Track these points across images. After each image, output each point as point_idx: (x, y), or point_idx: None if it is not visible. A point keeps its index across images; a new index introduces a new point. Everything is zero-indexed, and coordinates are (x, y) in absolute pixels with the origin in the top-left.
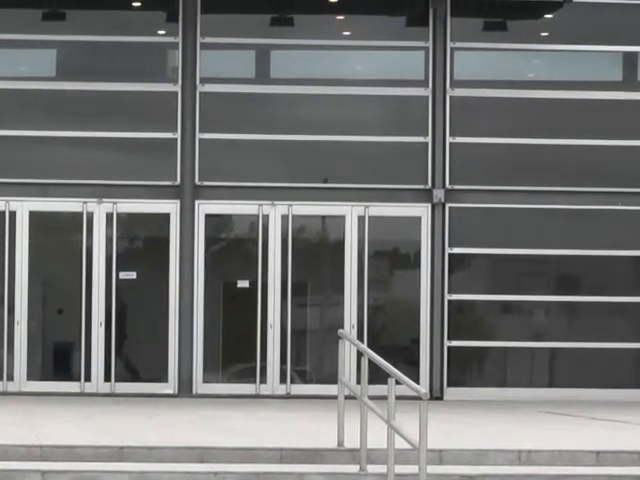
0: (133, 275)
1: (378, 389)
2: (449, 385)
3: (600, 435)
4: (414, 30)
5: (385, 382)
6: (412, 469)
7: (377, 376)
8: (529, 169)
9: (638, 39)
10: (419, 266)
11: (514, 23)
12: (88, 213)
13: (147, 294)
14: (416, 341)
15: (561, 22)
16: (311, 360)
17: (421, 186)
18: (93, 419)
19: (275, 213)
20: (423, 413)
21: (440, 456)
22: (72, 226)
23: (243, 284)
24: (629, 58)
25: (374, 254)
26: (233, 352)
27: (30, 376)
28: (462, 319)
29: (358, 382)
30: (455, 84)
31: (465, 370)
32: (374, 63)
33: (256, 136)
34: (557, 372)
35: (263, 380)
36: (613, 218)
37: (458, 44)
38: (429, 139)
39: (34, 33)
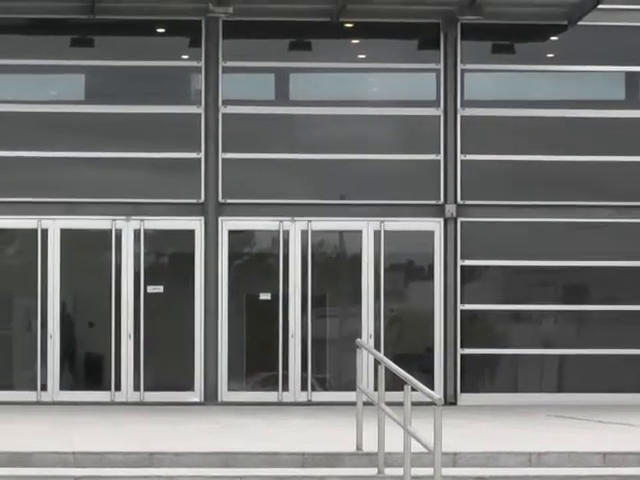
0: (160, 289)
1: (394, 395)
2: (462, 391)
3: (607, 437)
4: (426, 53)
5: (401, 389)
6: (428, 471)
7: (393, 383)
8: (537, 184)
9: (639, 60)
10: (433, 278)
11: (521, 45)
12: (117, 230)
13: (174, 307)
14: (430, 349)
15: (566, 44)
16: (331, 368)
17: (434, 201)
18: (123, 427)
19: (295, 229)
20: (438, 418)
21: (454, 459)
22: (101, 243)
23: (265, 296)
24: (631, 78)
25: (390, 267)
26: (256, 361)
27: (63, 386)
28: (474, 328)
29: (375, 389)
30: (465, 104)
31: (478, 377)
32: (388, 85)
33: (276, 155)
34: (566, 378)
35: (285, 388)
36: (618, 230)
37: (468, 66)
38: (441, 157)
39: (63, 59)
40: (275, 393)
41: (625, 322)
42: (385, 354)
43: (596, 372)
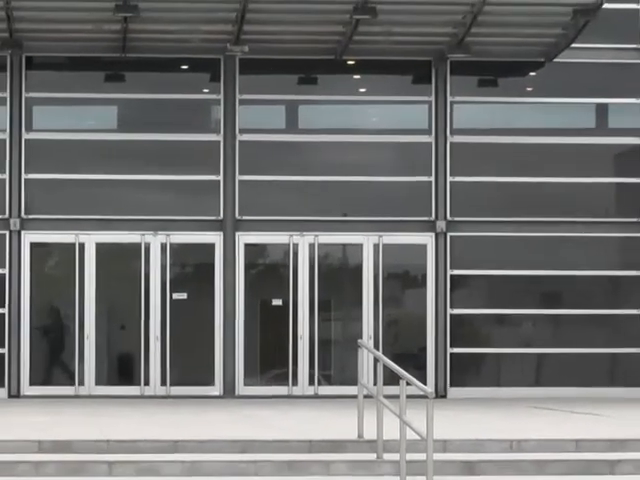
0: (184, 296)
1: (391, 389)
2: (452, 385)
3: (579, 426)
4: (419, 87)
5: (397, 383)
6: (421, 457)
7: (391, 379)
8: (517, 203)
9: (607, 92)
10: (425, 286)
11: (504, 80)
12: (145, 244)
13: (196, 312)
14: (423, 349)
15: (543, 79)
16: (335, 365)
17: (426, 218)
18: (151, 417)
19: (303, 242)
20: (430, 409)
21: (444, 445)
22: (132, 255)
23: (277, 302)
24: (600, 108)
25: (387, 276)
26: (269, 359)
27: (98, 381)
28: (462, 330)
29: (375, 384)
30: (454, 132)
31: (465, 373)
32: (386, 115)
33: (287, 177)
34: (543, 373)
35: (295, 383)
36: (589, 244)
37: (456, 98)
38: (432, 178)
39: (99, 92)
40: (286, 387)
41: (594, 324)
42: (383, 353)
43: (570, 369)
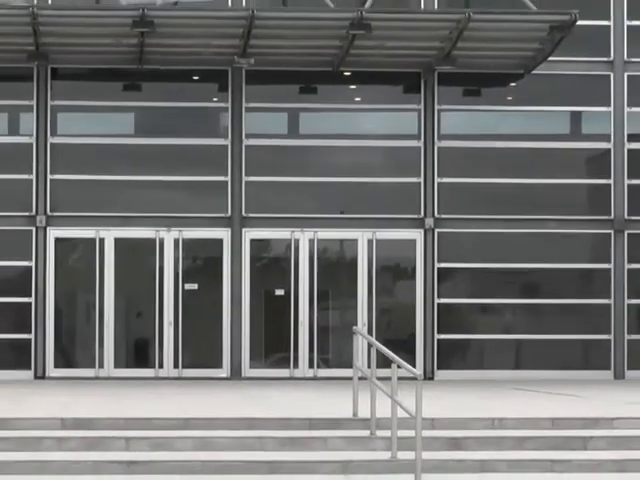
0: (195, 286)
1: (384, 372)
2: (439, 368)
3: (555, 406)
4: (409, 96)
5: (389, 366)
6: (410, 433)
7: (383, 362)
8: (499, 202)
9: (581, 101)
10: (415, 277)
11: (486, 90)
12: (160, 239)
13: (206, 301)
14: (413, 335)
15: (522, 89)
16: (332, 350)
17: (415, 216)
18: (165, 397)
19: (304, 238)
20: (419, 390)
21: (432, 423)
22: (147, 249)
23: (279, 292)
24: (574, 116)
25: (380, 268)
26: (272, 344)
27: (116, 364)
28: (448, 318)
29: (369, 367)
30: (441, 137)
31: (451, 357)
32: (378, 121)
33: (289, 178)
34: (522, 357)
35: (295, 366)
36: (563, 239)
37: (443, 106)
38: (421, 179)
39: (118, 100)
40: (287, 370)
41: (568, 313)
42: (376, 339)
43: (547, 353)
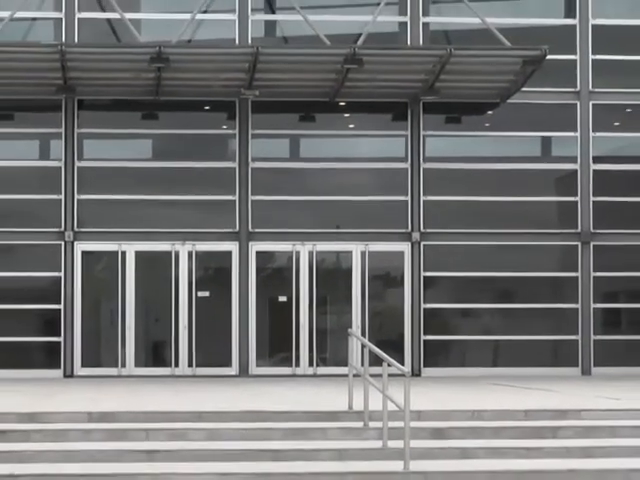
0: (207, 294)
1: (376, 370)
2: (425, 366)
3: (528, 399)
4: (397, 123)
5: (380, 364)
6: (399, 424)
7: (375, 360)
8: (478, 217)
9: (551, 127)
10: (403, 285)
11: (466, 117)
12: (175, 252)
13: (216, 307)
14: (402, 336)
15: (498, 116)
16: (330, 350)
17: (403, 230)
18: (180, 393)
19: (304, 250)
20: (407, 386)
21: (419, 415)
22: (164, 261)
23: (282, 299)
24: (545, 141)
25: (372, 277)
26: (276, 345)
27: (137, 364)
28: (433, 321)
29: (362, 365)
30: (426, 160)
31: (436, 356)
32: (370, 146)
33: (290, 197)
34: (500, 356)
35: (297, 364)
36: (536, 250)
37: (428, 132)
38: (408, 197)
39: (137, 128)
40: (290, 368)
41: (540, 316)
42: (369, 340)
43: (522, 352)
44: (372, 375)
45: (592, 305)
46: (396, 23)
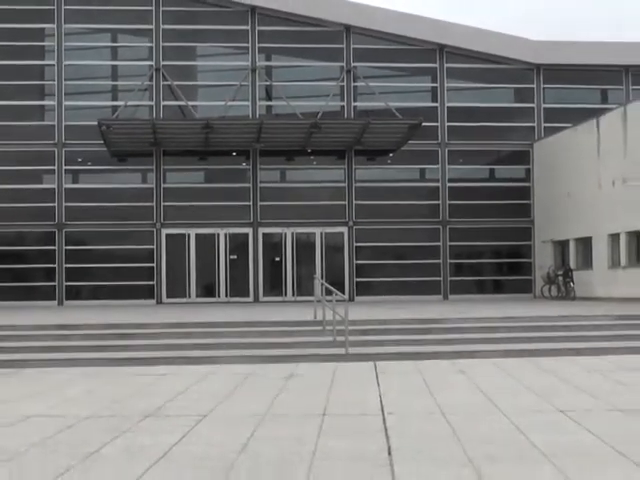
0: (235, 257)
1: (329, 298)
2: (357, 295)
3: (414, 312)
4: (340, 161)
5: (332, 294)
6: (342, 327)
7: (328, 292)
8: (385, 212)
9: (424, 162)
10: (344, 251)
11: (378, 157)
12: (217, 234)
13: (240, 265)
14: (343, 278)
15: (396, 157)
16: (304, 287)
17: (344, 220)
18: (221, 311)
19: (289, 232)
20: (346, 306)
21: (353, 322)
22: (211, 239)
23: (277, 259)
24: (422, 170)
25: (327, 247)
26: (274, 284)
27: (197, 295)
28: (362, 270)
29: (321, 295)
30: (357, 181)
31: (364, 289)
32: (325, 174)
33: (281, 202)
34: (396, 289)
35: (285, 295)
36: (418, 231)
37: (357, 166)
38: (347, 202)
39: (195, 165)
40: (282, 297)
41: (421, 267)
42: (325, 281)
43: (410, 287)
44: (327, 301)
45: (448, 260)
46: (339, 105)
